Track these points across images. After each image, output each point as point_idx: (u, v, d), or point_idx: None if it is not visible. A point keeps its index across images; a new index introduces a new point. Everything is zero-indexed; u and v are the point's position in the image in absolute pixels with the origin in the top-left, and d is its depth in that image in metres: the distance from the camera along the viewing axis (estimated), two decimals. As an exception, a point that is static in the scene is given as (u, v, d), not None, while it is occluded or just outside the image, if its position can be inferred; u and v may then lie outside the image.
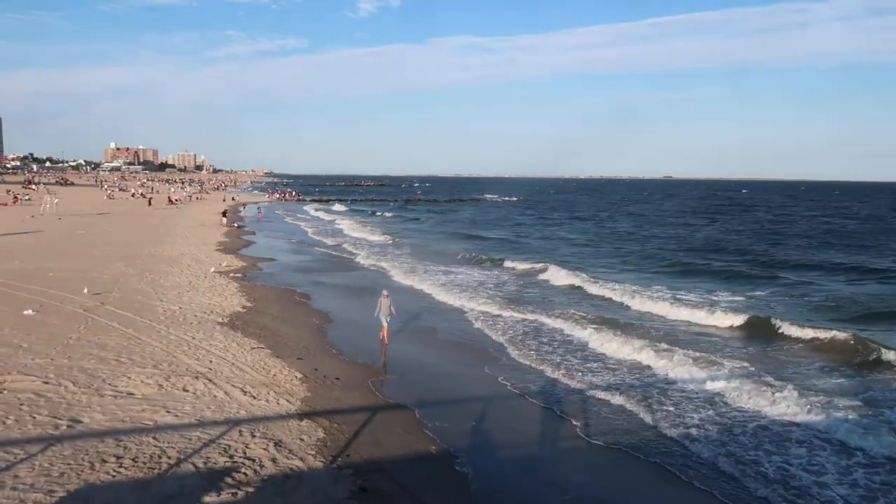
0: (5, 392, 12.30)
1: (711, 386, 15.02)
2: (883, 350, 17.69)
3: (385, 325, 18.20)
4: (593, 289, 28.04)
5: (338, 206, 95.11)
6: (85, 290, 22.01)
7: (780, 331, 20.47)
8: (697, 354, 17.43)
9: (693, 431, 12.65)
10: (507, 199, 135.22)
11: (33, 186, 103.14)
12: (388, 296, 18.80)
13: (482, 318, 22.33)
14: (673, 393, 14.82)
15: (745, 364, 16.90)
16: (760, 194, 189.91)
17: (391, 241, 47.20)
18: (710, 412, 13.66)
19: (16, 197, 72.49)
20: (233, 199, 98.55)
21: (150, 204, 75.64)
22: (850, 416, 13.23)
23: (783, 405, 13.68)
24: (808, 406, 13.51)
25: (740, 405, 14.00)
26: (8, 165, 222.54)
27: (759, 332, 20.84)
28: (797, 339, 19.69)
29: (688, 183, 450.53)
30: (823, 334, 19.54)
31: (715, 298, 26.00)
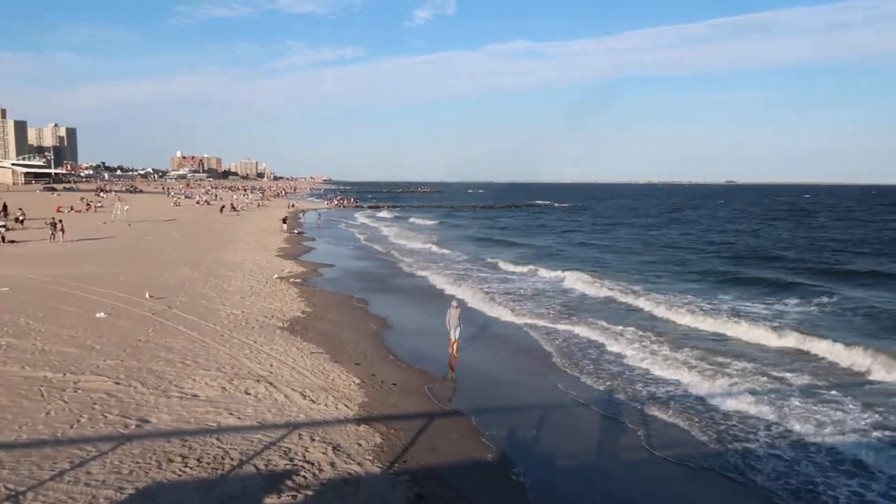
0: (80, 391, 12.85)
1: (759, 409, 14.18)
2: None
3: (454, 338, 17.52)
4: (640, 301, 26.36)
5: (390, 213, 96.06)
6: (147, 295, 22.77)
7: (830, 353, 18.59)
8: (751, 373, 16.65)
9: (756, 450, 12.16)
10: (560, 204, 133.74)
11: (104, 194, 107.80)
12: (457, 307, 17.96)
13: (534, 328, 22.05)
14: (729, 412, 14.18)
15: (797, 384, 16.04)
16: (825, 199, 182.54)
17: (440, 249, 46.79)
18: (768, 432, 13.05)
19: (89, 204, 75.94)
20: (293, 205, 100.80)
21: (221, 211, 77.97)
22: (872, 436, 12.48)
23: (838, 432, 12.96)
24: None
25: (796, 428, 13.19)
26: (82, 174, 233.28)
27: (807, 352, 19.08)
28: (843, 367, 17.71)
29: (750, 188, 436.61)
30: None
31: (777, 309, 25.01)
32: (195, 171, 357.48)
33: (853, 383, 16.18)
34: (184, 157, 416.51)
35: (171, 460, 10.01)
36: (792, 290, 29.58)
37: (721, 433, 12.86)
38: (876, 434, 12.79)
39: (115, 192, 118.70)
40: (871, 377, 16.65)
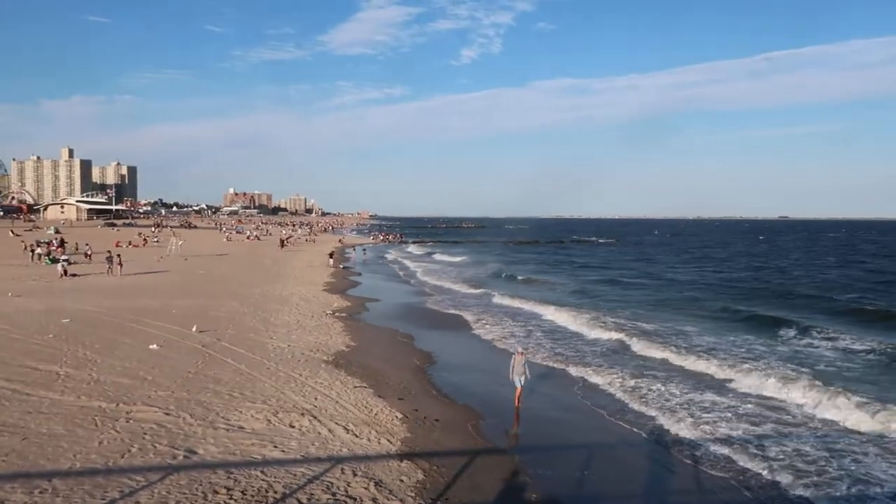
0: (131, 421, 13.19)
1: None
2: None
3: (519, 387, 16.43)
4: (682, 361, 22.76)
5: (434, 249, 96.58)
6: (193, 329, 23.11)
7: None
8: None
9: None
10: (605, 241, 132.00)
11: (160, 229, 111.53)
12: (522, 353, 17.10)
13: (581, 375, 20.83)
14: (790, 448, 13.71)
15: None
16: (864, 233, 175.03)
17: (479, 290, 45.70)
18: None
19: (146, 239, 78.65)
20: (340, 241, 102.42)
21: (282, 246, 79.67)
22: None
23: None
24: None
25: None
26: (141, 210, 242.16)
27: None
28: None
29: (804, 224, 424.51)
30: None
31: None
32: (246, 207, 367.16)
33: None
34: (236, 194, 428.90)
35: (216, 492, 10.14)
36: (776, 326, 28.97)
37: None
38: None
39: (171, 227, 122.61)
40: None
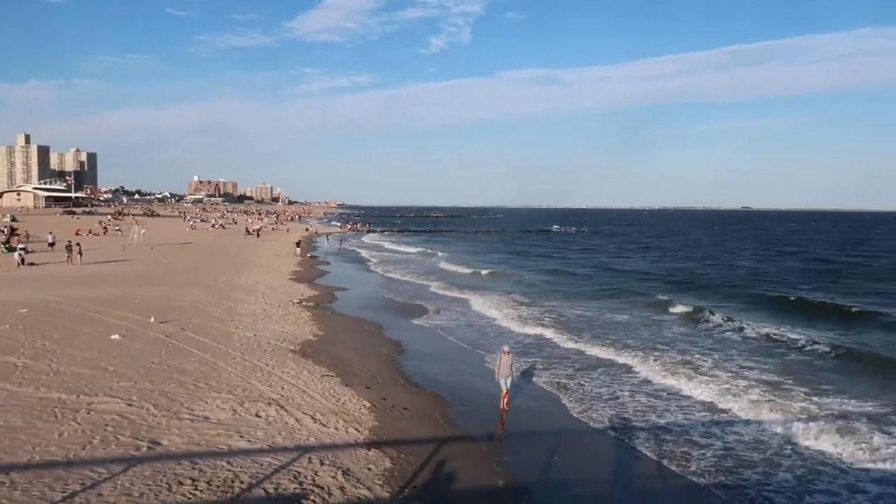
0: (92, 413, 12.93)
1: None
2: None
3: (505, 388, 15.35)
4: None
5: (404, 238, 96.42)
6: (152, 319, 22.60)
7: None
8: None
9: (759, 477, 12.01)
10: (573, 229, 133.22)
11: (122, 217, 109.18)
12: (509, 352, 15.55)
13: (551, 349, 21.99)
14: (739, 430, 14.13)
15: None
16: (823, 225, 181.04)
17: (440, 282, 46.65)
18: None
19: (106, 227, 76.94)
20: (306, 229, 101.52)
21: (258, 236, 78.81)
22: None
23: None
24: None
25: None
26: (101, 198, 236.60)
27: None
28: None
29: (765, 214, 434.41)
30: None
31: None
32: (211, 196, 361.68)
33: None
34: (200, 182, 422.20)
35: (181, 483, 10.01)
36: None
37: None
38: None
39: (133, 215, 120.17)
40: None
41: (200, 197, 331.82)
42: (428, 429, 13.85)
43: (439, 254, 63.85)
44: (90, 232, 69.26)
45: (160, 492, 9.66)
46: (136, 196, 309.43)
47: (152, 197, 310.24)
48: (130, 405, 13.51)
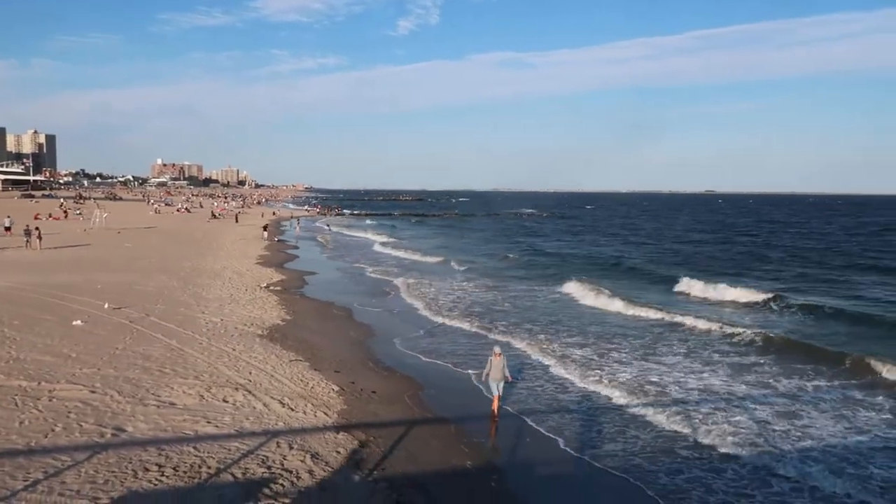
0: (54, 400, 12.70)
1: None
2: None
3: (497, 393, 14.05)
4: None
5: (372, 221, 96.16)
6: (106, 305, 21.98)
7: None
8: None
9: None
10: (531, 212, 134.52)
11: (83, 201, 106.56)
12: (500, 354, 14.17)
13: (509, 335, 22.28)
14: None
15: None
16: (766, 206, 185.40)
17: (414, 259, 46.38)
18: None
19: (66, 211, 75.06)
20: (273, 213, 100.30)
21: (213, 216, 78.53)
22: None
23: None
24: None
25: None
26: (61, 181, 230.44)
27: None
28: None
29: (729, 197, 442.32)
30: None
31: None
32: (176, 179, 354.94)
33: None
34: (164, 165, 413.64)
35: (147, 469, 9.92)
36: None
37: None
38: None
39: (94, 199, 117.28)
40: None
41: (164, 180, 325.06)
42: (397, 412, 13.91)
43: (395, 239, 63.92)
44: (50, 216, 67.47)
45: (125, 478, 9.56)
46: (98, 179, 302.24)
47: (114, 180, 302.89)
48: (94, 392, 13.30)
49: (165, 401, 13.09)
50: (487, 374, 14.13)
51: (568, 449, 12.52)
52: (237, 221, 74.88)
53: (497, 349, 14.46)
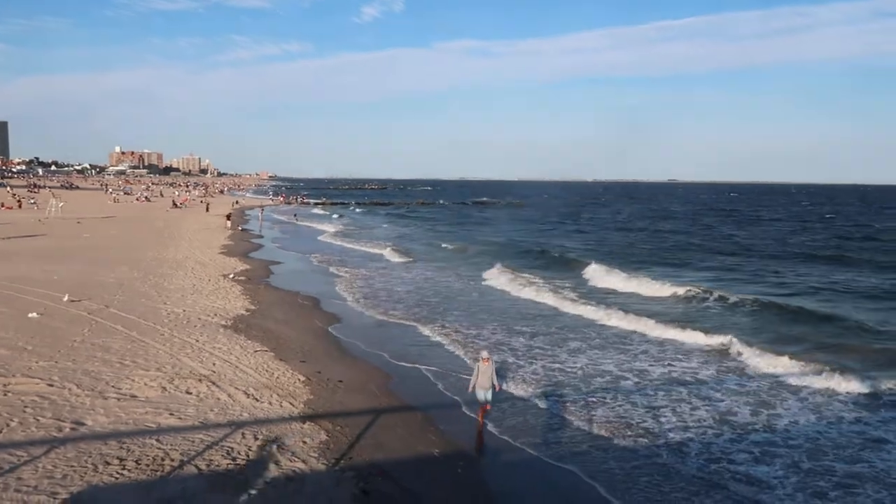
0: (9, 395, 12.35)
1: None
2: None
3: (482, 400, 12.89)
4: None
5: (319, 211, 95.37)
6: (65, 298, 21.20)
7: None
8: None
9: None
10: (491, 202, 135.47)
11: (37, 190, 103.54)
12: (488, 360, 12.92)
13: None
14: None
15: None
16: (748, 196, 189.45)
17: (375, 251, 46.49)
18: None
19: (20, 201, 72.81)
20: (237, 202, 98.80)
21: (175, 206, 77.87)
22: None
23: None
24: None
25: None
26: (13, 170, 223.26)
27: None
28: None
29: (691, 186, 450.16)
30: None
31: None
32: (135, 167, 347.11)
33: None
34: (123, 153, 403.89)
35: (107, 463, 9.72)
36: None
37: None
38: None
39: (49, 188, 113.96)
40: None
41: (123, 168, 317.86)
42: (364, 401, 13.88)
43: (349, 228, 63.51)
44: (2, 205, 65.38)
45: (85, 473, 9.36)
46: (53, 167, 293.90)
47: (70, 168, 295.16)
48: (51, 385, 12.97)
49: (126, 393, 12.84)
50: (474, 385, 12.82)
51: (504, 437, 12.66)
52: (208, 211, 73.14)
53: (485, 354, 13.10)
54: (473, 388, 12.87)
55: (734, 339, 19.28)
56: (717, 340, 19.59)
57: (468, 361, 17.16)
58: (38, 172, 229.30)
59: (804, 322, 22.42)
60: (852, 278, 33.45)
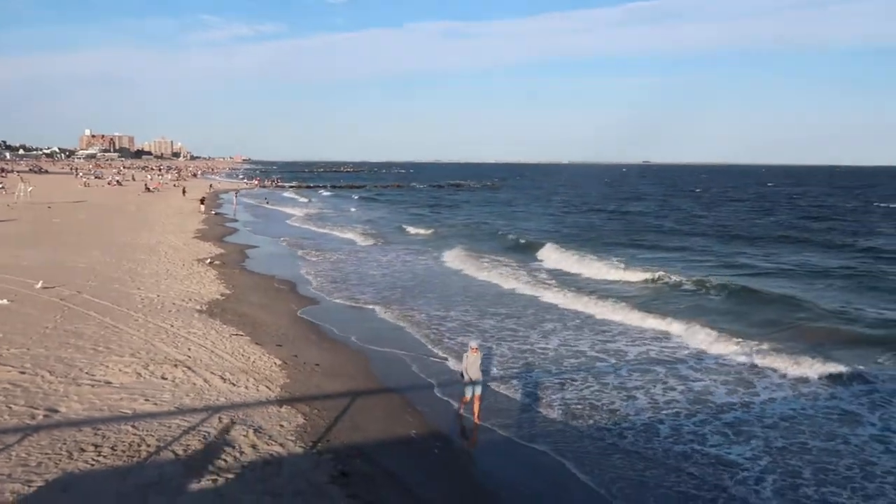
0: (-20, 383, 12.18)
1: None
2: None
3: (469, 395, 12.37)
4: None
5: (290, 194, 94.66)
6: (39, 285, 20.67)
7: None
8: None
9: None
10: (464, 183, 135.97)
11: (5, 174, 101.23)
12: (477, 349, 12.39)
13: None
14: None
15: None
16: (711, 177, 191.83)
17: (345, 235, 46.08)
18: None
19: (-13, 185, 71.15)
20: (210, 186, 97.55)
21: (147, 190, 77.73)
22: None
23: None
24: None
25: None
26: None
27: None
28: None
29: (664, 168, 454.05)
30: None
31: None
32: (106, 151, 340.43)
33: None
34: (93, 136, 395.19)
35: (83, 450, 9.67)
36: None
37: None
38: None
39: (18, 172, 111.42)
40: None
41: (94, 152, 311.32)
42: (341, 384, 13.93)
43: (319, 211, 63.12)
44: (-31, 190, 63.89)
45: (60, 460, 9.31)
46: (21, 151, 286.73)
47: (39, 152, 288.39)
48: (23, 373, 12.81)
49: (100, 380, 12.74)
50: (464, 374, 12.34)
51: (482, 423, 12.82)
52: (184, 194, 71.90)
53: (473, 343, 12.51)
54: (464, 375, 12.37)
55: (679, 322, 19.54)
56: (661, 324, 19.64)
57: (431, 346, 17.37)
58: (5, 157, 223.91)
59: (767, 304, 22.66)
60: (809, 259, 34.07)
